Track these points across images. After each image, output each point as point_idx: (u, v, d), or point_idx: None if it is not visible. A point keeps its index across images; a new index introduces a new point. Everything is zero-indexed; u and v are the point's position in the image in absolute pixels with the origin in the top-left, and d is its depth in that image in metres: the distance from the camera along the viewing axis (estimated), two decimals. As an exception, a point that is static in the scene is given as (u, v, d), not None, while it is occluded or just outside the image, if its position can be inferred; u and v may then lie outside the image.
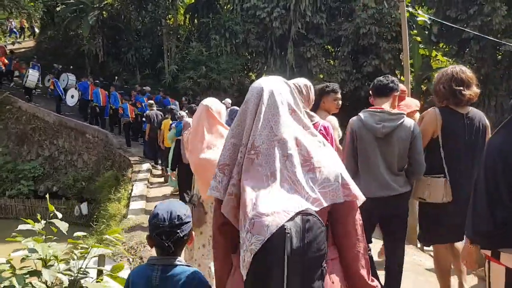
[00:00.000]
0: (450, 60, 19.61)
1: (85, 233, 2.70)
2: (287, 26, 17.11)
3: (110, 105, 15.11)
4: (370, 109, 3.15)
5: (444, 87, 3.11)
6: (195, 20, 21.04)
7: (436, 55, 19.58)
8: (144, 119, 12.82)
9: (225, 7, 18.50)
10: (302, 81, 3.14)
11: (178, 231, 1.81)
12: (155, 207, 1.90)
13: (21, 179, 15.73)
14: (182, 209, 1.88)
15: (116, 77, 19.64)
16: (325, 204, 1.47)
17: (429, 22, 18.28)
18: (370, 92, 3.37)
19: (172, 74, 17.90)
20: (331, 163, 1.57)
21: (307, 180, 1.50)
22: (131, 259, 5.49)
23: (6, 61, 18.22)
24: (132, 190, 9.51)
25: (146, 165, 11.60)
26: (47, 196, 2.96)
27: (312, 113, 3.10)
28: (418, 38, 18.36)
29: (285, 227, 1.35)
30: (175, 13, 20.20)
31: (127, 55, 19.87)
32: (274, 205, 1.41)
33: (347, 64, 17.37)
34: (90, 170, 15.48)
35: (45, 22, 23.23)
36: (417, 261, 4.85)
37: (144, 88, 15.83)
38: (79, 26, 19.86)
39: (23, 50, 25.02)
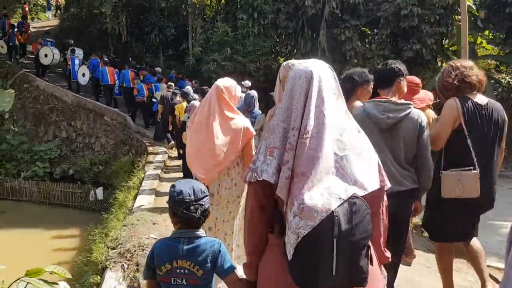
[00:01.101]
0: (495, 48, 18.10)
1: None
2: (320, 5, 15.74)
3: (120, 83, 14.33)
4: (375, 99, 2.95)
5: (450, 77, 3.10)
6: (222, 0, 19.92)
7: (482, 42, 17.98)
8: (153, 99, 12.40)
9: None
10: (298, 61, 2.71)
11: (203, 203, 1.98)
12: (174, 186, 2.01)
13: (36, 160, 15.15)
14: (201, 184, 2.06)
15: (128, 60, 18.72)
16: (369, 190, 1.53)
17: (474, 7, 16.73)
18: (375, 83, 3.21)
19: (196, 57, 16.89)
20: (369, 149, 1.65)
21: (352, 165, 1.54)
22: (125, 265, 4.55)
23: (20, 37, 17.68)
24: (143, 178, 8.63)
25: (161, 151, 10.72)
26: None
27: None
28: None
29: (335, 212, 1.39)
30: (202, -9, 19.12)
31: (150, 35, 19.00)
32: (323, 191, 1.44)
33: (385, 48, 16.00)
34: (107, 154, 14.78)
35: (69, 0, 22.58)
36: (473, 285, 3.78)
37: (155, 68, 15.02)
38: (102, 3, 19.07)
39: (47, 28, 24.60)
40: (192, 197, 1.94)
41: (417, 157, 2.88)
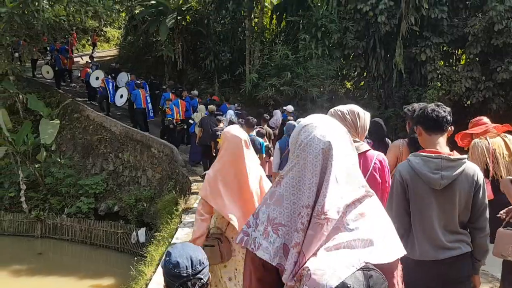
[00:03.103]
0: None
1: None
2: (395, 22, 13.63)
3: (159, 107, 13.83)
4: (423, 153, 2.51)
5: None
6: (283, 22, 18.40)
7: None
8: (190, 121, 12.43)
9: (318, 2, 15.51)
10: (347, 107, 2.73)
11: (202, 276, 1.84)
12: (170, 254, 1.87)
13: (81, 195, 14.15)
14: (200, 253, 1.91)
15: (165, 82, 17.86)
16: (386, 261, 1.36)
17: None
18: (418, 124, 2.65)
19: (252, 82, 15.33)
20: (384, 217, 1.47)
21: (367, 233, 1.37)
22: None
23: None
24: (176, 230, 6.91)
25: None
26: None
27: (358, 141, 2.69)
28: None
29: (348, 284, 1.24)
30: (261, 13, 17.70)
31: (205, 61, 17.83)
32: (333, 259, 1.30)
33: (473, 70, 13.49)
34: (153, 190, 13.45)
35: (127, 28, 22.29)
36: None
37: (192, 91, 14.37)
38: (157, 31, 18.29)
39: (108, 58, 24.52)
40: (190, 270, 1.80)
41: (473, 220, 2.51)
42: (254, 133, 7.76)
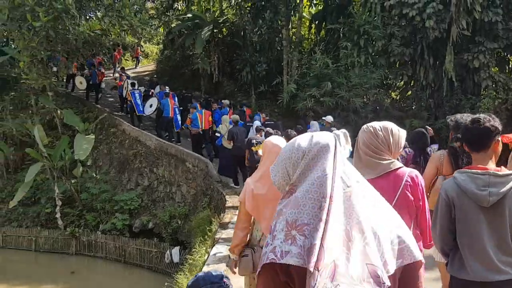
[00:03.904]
0: None
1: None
2: (445, 26, 12.66)
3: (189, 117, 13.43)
4: (469, 169, 2.42)
5: None
6: (322, 31, 17.71)
7: None
8: (217, 133, 12.21)
9: (360, 9, 14.72)
10: (381, 124, 2.61)
11: None
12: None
13: (116, 211, 13.84)
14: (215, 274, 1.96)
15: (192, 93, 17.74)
16: (392, 271, 1.33)
17: None
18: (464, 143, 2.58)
19: (290, 93, 14.68)
20: (390, 221, 1.42)
21: (375, 239, 1.34)
22: None
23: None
24: (209, 255, 6.29)
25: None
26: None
27: (389, 159, 2.55)
28: None
29: None
30: (299, 22, 17.11)
31: (242, 73, 17.39)
32: (355, 273, 1.25)
33: (533, 76, 12.33)
34: (187, 206, 12.98)
35: (164, 42, 22.30)
36: None
37: (222, 100, 14.10)
38: (194, 44, 18.07)
39: (146, 73, 24.62)
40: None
41: None
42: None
